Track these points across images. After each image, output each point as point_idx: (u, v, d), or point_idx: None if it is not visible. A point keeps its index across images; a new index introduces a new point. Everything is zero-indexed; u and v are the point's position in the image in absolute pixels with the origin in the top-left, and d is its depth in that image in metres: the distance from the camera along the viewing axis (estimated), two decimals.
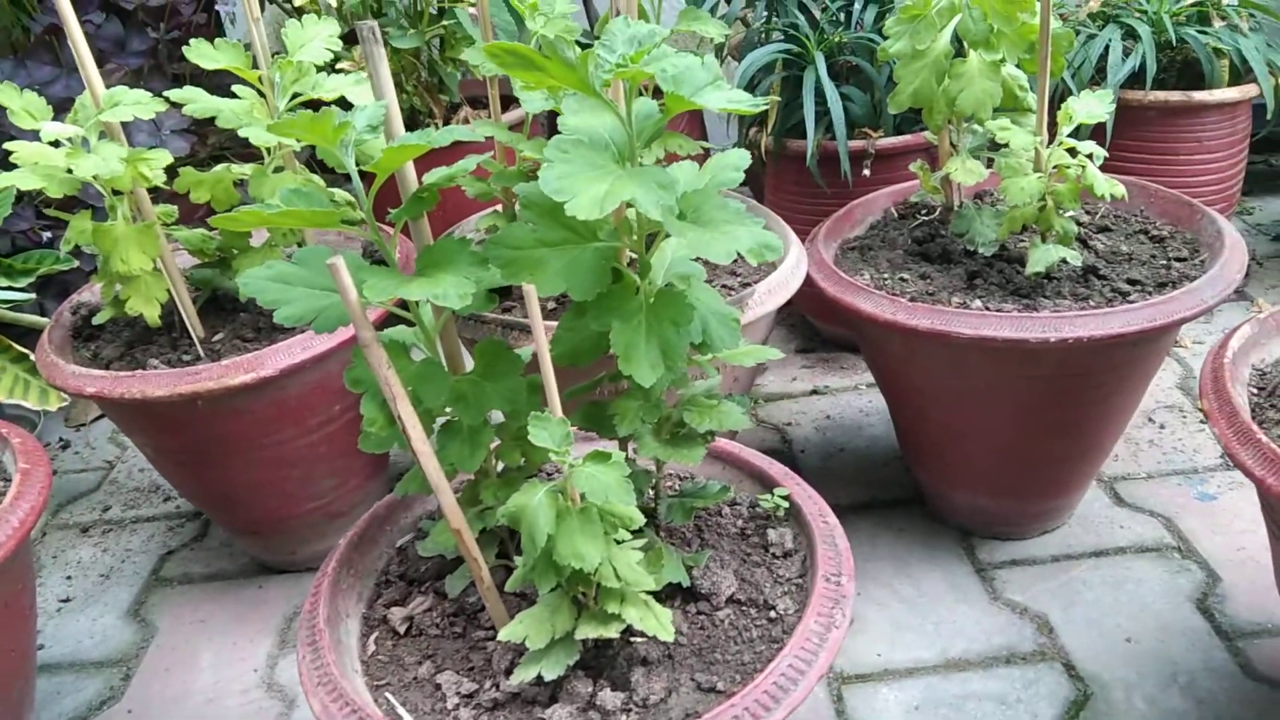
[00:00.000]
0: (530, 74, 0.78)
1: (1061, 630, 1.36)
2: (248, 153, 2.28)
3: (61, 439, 2.06)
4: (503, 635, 0.85)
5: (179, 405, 1.29)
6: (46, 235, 2.08)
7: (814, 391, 1.94)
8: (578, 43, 1.26)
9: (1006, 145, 1.35)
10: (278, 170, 1.40)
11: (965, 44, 1.36)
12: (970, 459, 1.44)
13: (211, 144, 2.22)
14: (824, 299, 1.37)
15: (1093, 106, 1.32)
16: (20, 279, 1.75)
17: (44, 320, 1.89)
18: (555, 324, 0.89)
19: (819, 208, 1.73)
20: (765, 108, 0.82)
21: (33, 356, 1.73)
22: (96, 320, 1.42)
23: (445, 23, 2.01)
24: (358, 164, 0.84)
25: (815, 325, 2.11)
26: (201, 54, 1.26)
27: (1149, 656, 1.30)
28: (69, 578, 1.66)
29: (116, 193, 1.34)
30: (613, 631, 0.83)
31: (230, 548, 1.69)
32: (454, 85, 2.06)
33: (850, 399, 1.91)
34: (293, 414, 1.38)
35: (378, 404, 0.88)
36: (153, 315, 1.36)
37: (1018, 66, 1.40)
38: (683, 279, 0.92)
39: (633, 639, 0.91)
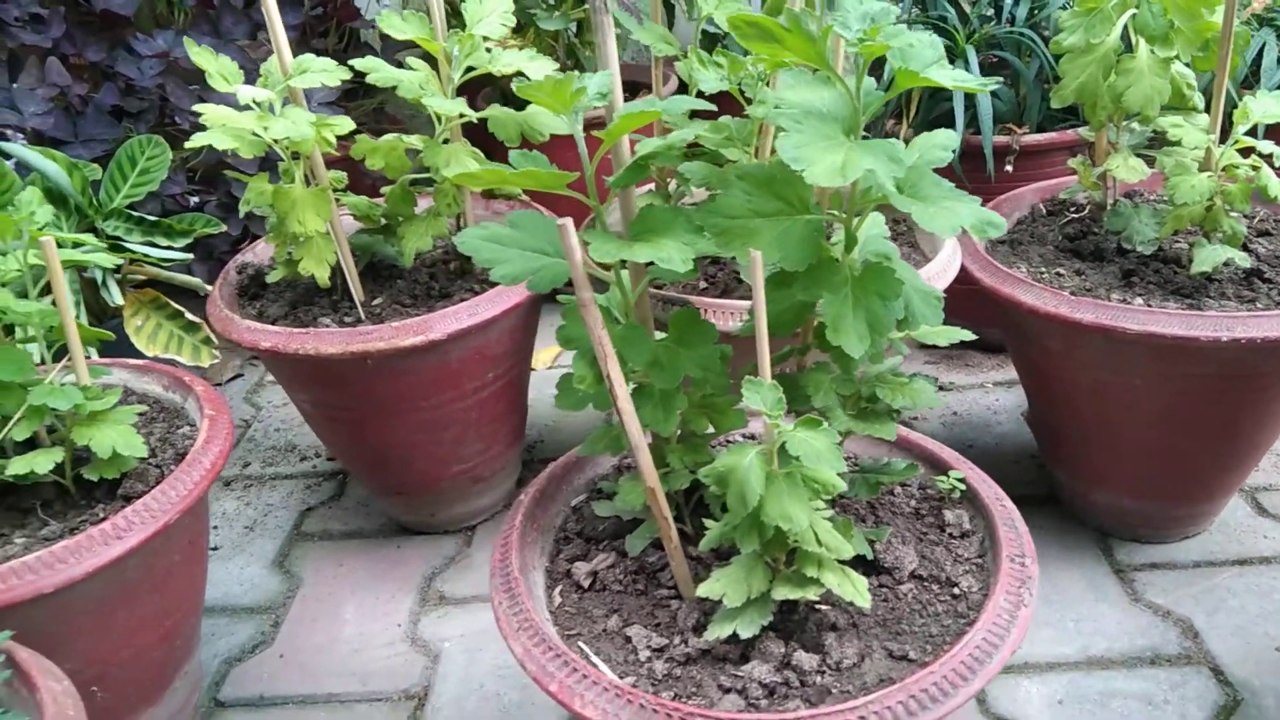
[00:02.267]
0: (766, 46, 0.80)
1: (1207, 635, 1.35)
2: (379, 129, 2.34)
3: None
4: (701, 591, 0.88)
5: (349, 363, 1.34)
6: (194, 200, 2.16)
7: (940, 388, 1.94)
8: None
9: (1174, 143, 1.34)
10: (445, 142, 1.44)
11: (1134, 40, 1.35)
12: (1116, 458, 1.43)
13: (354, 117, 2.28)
14: (963, 293, 1.37)
15: (1270, 106, 1.30)
16: (179, 239, 1.83)
17: (195, 280, 1.97)
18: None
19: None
20: (995, 86, 0.83)
21: (188, 314, 1.81)
22: (270, 279, 1.48)
23: (586, 7, 2.04)
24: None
25: None
26: (391, 25, 1.31)
27: None
28: (215, 527, 1.73)
29: (294, 157, 1.40)
30: (811, 594, 0.85)
31: (367, 507, 1.74)
32: (590, 68, 2.09)
33: (977, 396, 1.90)
34: (452, 378, 1.42)
35: (587, 362, 0.91)
36: (323, 276, 1.41)
37: (1187, 65, 1.39)
38: (880, 256, 0.94)
39: (818, 606, 0.93)
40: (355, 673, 1.40)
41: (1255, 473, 1.64)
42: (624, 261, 0.89)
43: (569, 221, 0.83)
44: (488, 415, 1.53)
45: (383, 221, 1.51)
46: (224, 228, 2.04)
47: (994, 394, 1.91)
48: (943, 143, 0.90)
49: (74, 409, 1.12)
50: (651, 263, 0.94)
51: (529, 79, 1.32)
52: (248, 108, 1.32)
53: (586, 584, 1.00)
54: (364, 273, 1.55)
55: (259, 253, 1.65)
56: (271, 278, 1.48)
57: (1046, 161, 1.77)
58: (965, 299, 1.41)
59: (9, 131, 2.01)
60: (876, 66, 1.72)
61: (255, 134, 1.33)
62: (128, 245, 1.72)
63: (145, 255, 1.74)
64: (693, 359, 0.95)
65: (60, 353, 1.19)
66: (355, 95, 2.40)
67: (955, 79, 0.81)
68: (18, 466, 1.09)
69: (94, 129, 2.10)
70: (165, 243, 1.85)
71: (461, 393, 1.45)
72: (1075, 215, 1.56)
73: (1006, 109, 1.79)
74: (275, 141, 1.34)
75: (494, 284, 1.48)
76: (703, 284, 1.45)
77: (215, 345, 1.79)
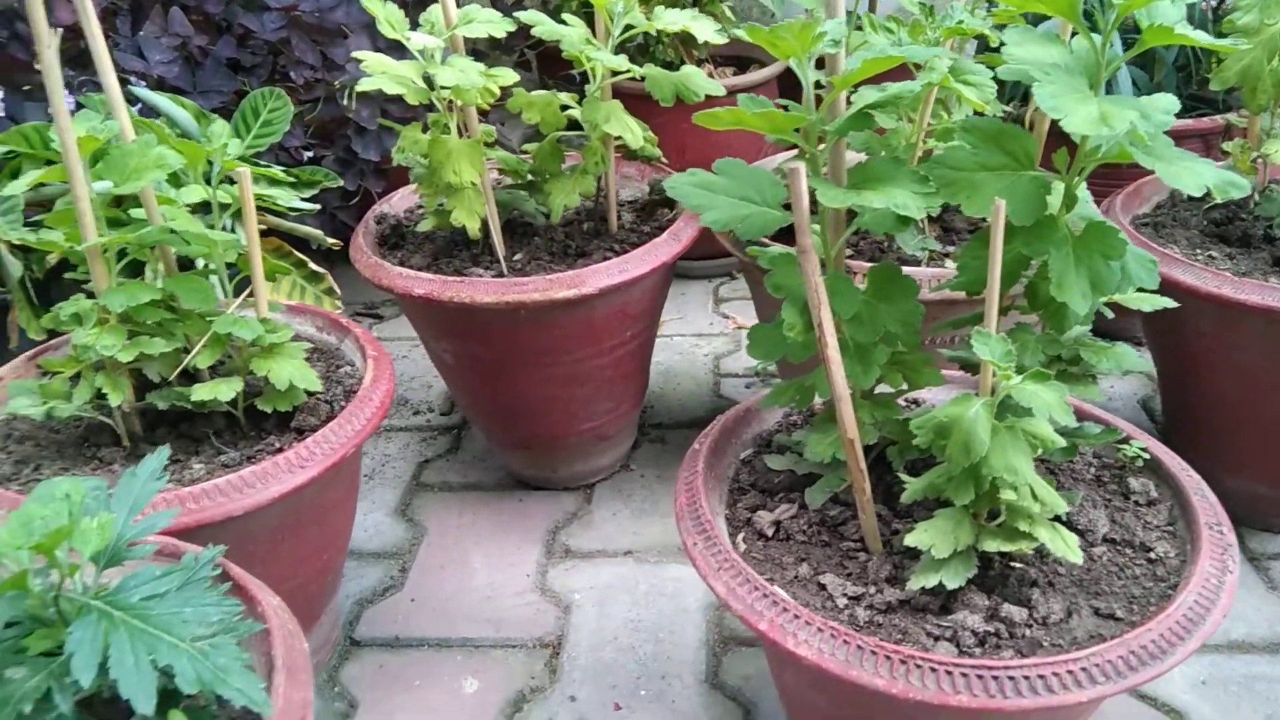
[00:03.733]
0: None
1: None
2: None
3: None
4: (909, 541, 0.88)
5: (500, 313, 1.35)
6: (307, 155, 2.19)
7: None
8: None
9: None
10: (598, 99, 1.44)
11: None
12: (1259, 444, 1.42)
13: None
14: None
15: None
16: (304, 191, 1.85)
17: (316, 232, 1.99)
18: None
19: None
20: (1228, 44, 0.83)
21: (311, 264, 1.83)
22: (420, 228, 1.49)
23: None
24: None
25: None
26: None
27: None
28: None
29: (449, 108, 1.41)
30: (1025, 548, 0.86)
31: (484, 461, 1.76)
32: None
33: None
34: (594, 334, 1.43)
35: (798, 310, 0.92)
36: (474, 227, 1.42)
37: None
38: (1087, 218, 0.93)
39: (1013, 564, 0.93)
40: (489, 618, 1.42)
41: None
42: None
43: (801, 166, 0.84)
44: (620, 373, 1.54)
45: (529, 177, 1.52)
46: (341, 182, 2.07)
47: (1107, 380, 1.89)
48: (1165, 106, 0.90)
49: (254, 341, 1.14)
50: (853, 217, 0.95)
51: (692, 38, 1.33)
52: (407, 58, 1.33)
53: (770, 533, 1.01)
54: (505, 228, 1.56)
55: (395, 204, 1.67)
56: (421, 227, 1.50)
57: (1182, 146, 1.75)
58: None
59: (133, 79, 2.04)
60: None
61: (416, 83, 1.34)
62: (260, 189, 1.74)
63: (276, 203, 1.76)
64: (892, 314, 0.96)
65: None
66: None
67: (1202, 37, 0.81)
68: (202, 393, 1.12)
69: (212, 80, 2.12)
70: (290, 194, 1.87)
71: (600, 349, 1.46)
72: (1220, 200, 1.54)
73: (1145, 93, 1.77)
74: (435, 91, 1.35)
75: (631, 245, 1.49)
76: (848, 252, 1.45)
77: (338, 296, 1.81)
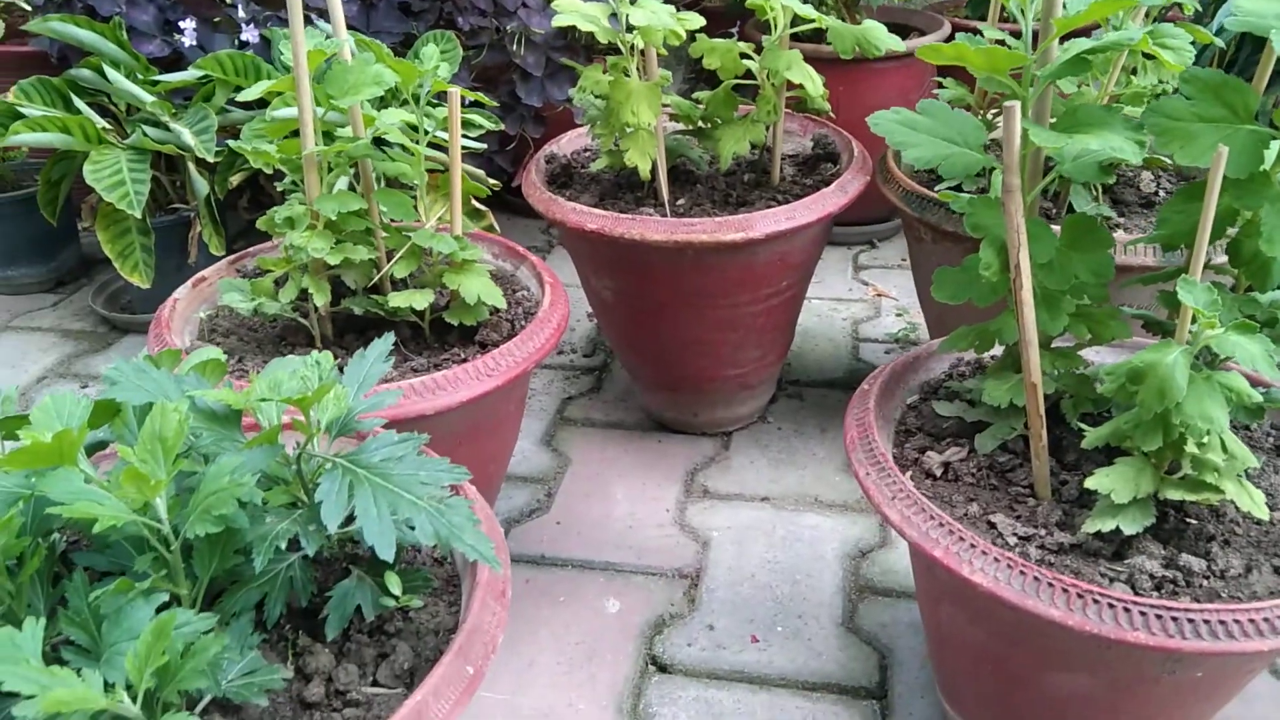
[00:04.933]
0: None
1: None
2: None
3: None
4: (1089, 483, 0.89)
5: (669, 252, 1.40)
6: (469, 100, 2.26)
7: None
8: None
9: None
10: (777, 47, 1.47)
11: None
12: None
13: None
14: None
15: None
16: (471, 130, 1.92)
17: (478, 171, 2.07)
18: None
19: None
20: None
21: (474, 200, 1.91)
22: (594, 167, 1.55)
23: None
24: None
25: None
26: None
27: None
28: None
29: (630, 51, 1.45)
30: (1211, 498, 0.86)
31: (625, 402, 1.81)
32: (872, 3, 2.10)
33: None
34: (753, 280, 1.47)
35: (995, 250, 0.93)
36: (645, 168, 1.47)
37: None
38: None
39: (1188, 519, 0.94)
40: (631, 546, 1.48)
41: None
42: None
43: (1017, 105, 0.85)
44: (772, 323, 1.57)
45: (700, 124, 1.56)
46: (503, 126, 2.14)
47: None
48: None
49: (448, 256, 1.21)
50: (1050, 167, 0.96)
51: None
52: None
53: (939, 473, 1.03)
54: (670, 174, 1.60)
55: (563, 145, 1.73)
56: (594, 166, 1.55)
57: None
58: None
59: (314, 16, 2.14)
60: None
61: (604, 23, 1.39)
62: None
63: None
64: (1086, 263, 0.96)
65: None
66: None
67: None
68: (398, 300, 1.19)
69: (384, 22, 2.21)
70: (482, 121, 1.94)
71: (758, 296, 1.50)
72: None
73: None
74: (623, 31, 1.40)
75: (794, 197, 1.51)
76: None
77: (498, 233, 1.88)
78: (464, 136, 1.89)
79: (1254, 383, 1.10)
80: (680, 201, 1.56)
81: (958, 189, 1.49)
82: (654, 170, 1.51)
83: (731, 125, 1.51)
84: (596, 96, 1.49)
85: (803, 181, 1.60)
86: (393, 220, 1.26)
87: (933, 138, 0.95)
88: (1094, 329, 1.00)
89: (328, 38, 1.90)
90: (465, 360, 1.20)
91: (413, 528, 0.72)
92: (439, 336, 1.28)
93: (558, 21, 1.35)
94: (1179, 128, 0.87)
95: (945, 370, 1.19)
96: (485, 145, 1.93)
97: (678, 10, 1.41)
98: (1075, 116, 0.91)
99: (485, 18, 2.16)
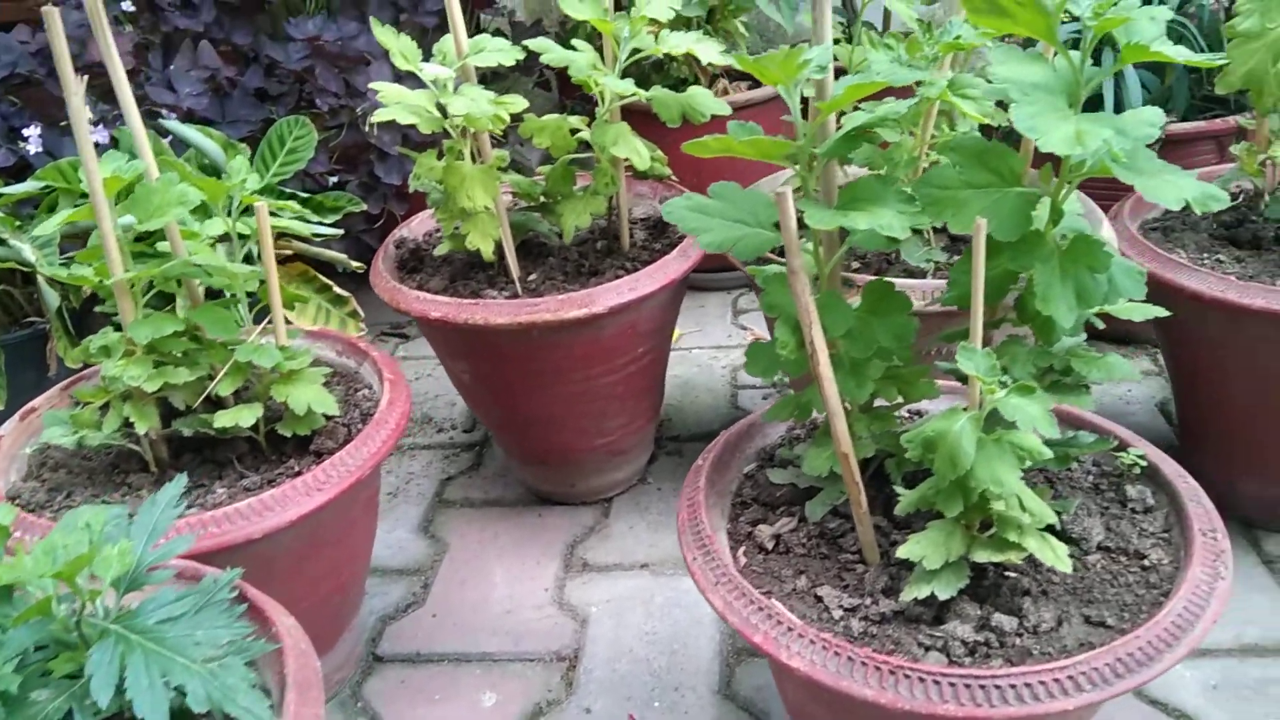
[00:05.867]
0: (996, 20, 0.82)
1: None
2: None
3: None
4: (901, 553, 0.90)
5: (514, 334, 1.39)
6: (331, 180, 2.24)
7: None
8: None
9: None
10: (606, 122, 1.48)
11: None
12: (1272, 446, 1.42)
13: None
14: None
15: None
16: (329, 216, 1.90)
17: (340, 255, 2.05)
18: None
19: (1102, 192, 1.72)
20: (1223, 62, 0.84)
21: (336, 288, 1.88)
22: (437, 252, 1.54)
23: None
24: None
25: None
26: (571, 6, 1.35)
27: None
28: None
29: (463, 134, 1.45)
30: (1014, 558, 0.87)
31: (505, 477, 1.80)
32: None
33: (1108, 387, 1.89)
34: (605, 352, 1.47)
35: (790, 328, 0.94)
36: (488, 250, 1.46)
37: None
38: (1074, 231, 0.95)
39: (1007, 573, 0.95)
40: (509, 632, 1.45)
41: None
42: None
43: (788, 190, 0.86)
44: (633, 390, 1.57)
45: (542, 199, 1.56)
46: (365, 206, 2.12)
47: (1124, 385, 1.89)
48: (1150, 119, 0.91)
49: (274, 367, 1.18)
50: (846, 235, 0.97)
51: (698, 59, 1.36)
52: (423, 86, 1.38)
53: (770, 546, 1.03)
54: (519, 249, 1.60)
55: (414, 228, 1.72)
56: (439, 250, 1.54)
57: (1191, 151, 1.76)
58: None
59: (164, 111, 2.11)
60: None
61: (430, 111, 1.38)
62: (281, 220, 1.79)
63: (300, 230, 1.81)
64: (886, 328, 0.98)
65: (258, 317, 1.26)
66: None
67: (1180, 54, 0.83)
68: (224, 420, 1.16)
69: (240, 110, 2.18)
70: (315, 219, 1.92)
71: (612, 366, 1.50)
72: (1232, 204, 1.54)
73: (1152, 97, 1.78)
74: (448, 119, 1.39)
75: (643, 263, 1.52)
76: (855, 264, 1.47)
77: (361, 319, 1.86)
78: (318, 223, 1.87)
79: (1076, 425, 1.13)
80: (532, 277, 1.55)
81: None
82: (501, 249, 1.51)
83: (572, 199, 1.52)
84: (435, 182, 1.49)
85: (653, 246, 1.61)
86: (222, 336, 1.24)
87: (725, 220, 0.96)
88: (903, 390, 1.01)
89: (166, 135, 1.88)
90: (299, 473, 1.17)
91: (185, 695, 0.70)
92: (276, 448, 1.25)
93: (379, 116, 1.35)
94: (948, 196, 0.88)
95: (783, 434, 1.19)
96: (341, 231, 1.91)
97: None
98: (855, 191, 0.92)
99: (339, 99, 2.15)
